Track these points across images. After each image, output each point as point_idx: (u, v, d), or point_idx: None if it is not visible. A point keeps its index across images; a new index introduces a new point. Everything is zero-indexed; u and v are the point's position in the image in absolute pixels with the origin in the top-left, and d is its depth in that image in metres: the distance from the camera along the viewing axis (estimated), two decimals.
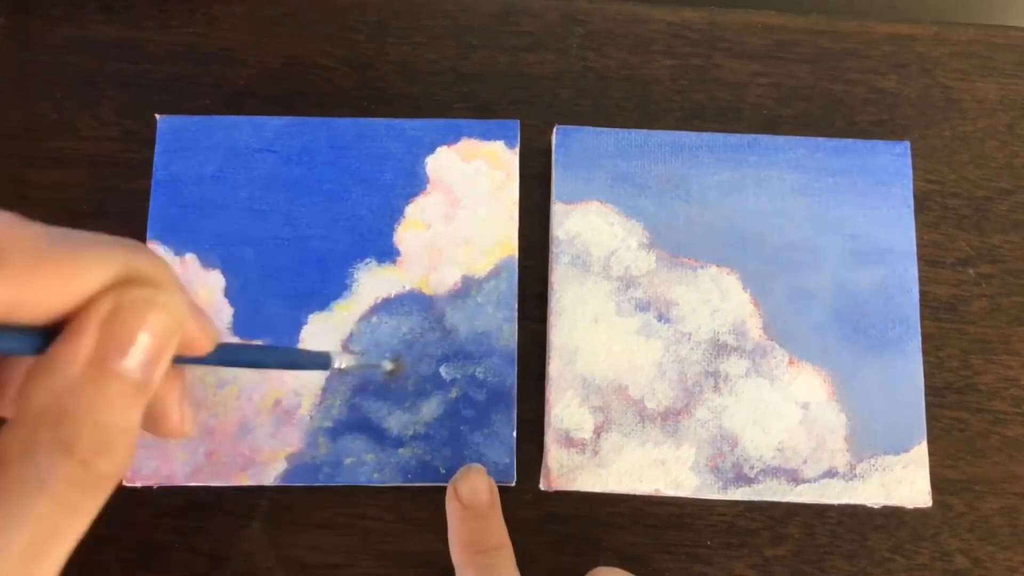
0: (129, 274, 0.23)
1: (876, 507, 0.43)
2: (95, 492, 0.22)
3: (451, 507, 0.40)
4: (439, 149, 0.47)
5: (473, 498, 0.39)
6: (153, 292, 0.23)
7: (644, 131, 0.47)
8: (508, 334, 0.44)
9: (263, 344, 0.44)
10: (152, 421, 0.27)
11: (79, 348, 0.22)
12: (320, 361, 0.39)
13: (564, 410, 0.43)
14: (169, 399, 0.27)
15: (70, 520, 0.22)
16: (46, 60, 0.49)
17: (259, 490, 0.44)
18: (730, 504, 0.44)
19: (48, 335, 0.22)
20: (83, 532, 0.22)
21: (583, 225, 0.46)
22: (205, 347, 0.27)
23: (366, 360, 0.43)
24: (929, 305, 0.46)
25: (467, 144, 0.47)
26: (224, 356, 0.29)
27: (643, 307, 0.45)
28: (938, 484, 0.42)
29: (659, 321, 0.45)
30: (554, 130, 0.47)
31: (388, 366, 0.44)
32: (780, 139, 0.47)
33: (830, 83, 0.50)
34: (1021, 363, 0.46)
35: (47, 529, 0.21)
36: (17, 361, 0.26)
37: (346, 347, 0.44)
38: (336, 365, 0.40)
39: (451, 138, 0.47)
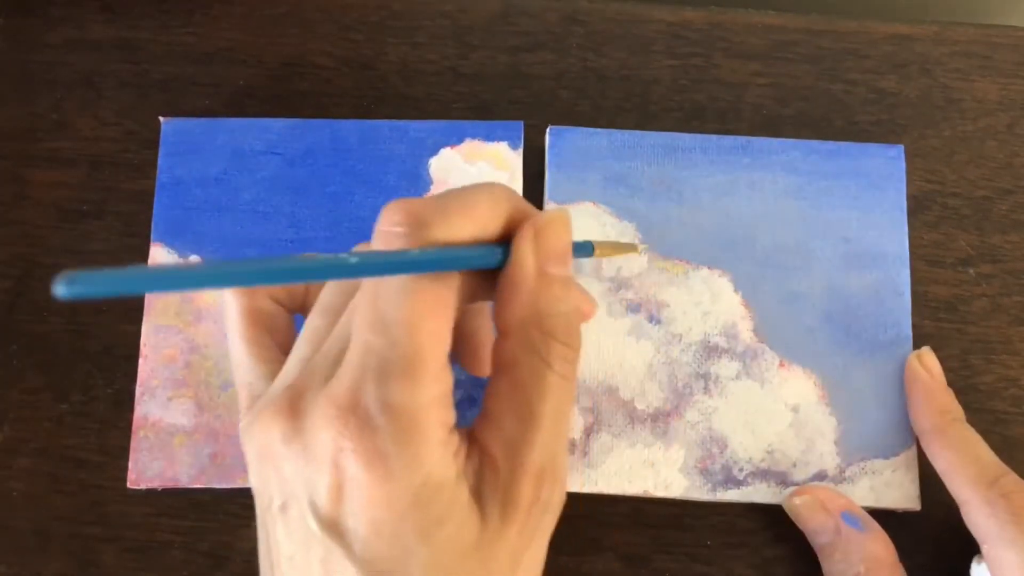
0: (514, 208, 0.30)
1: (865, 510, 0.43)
2: (575, 362, 0.30)
3: (920, 377, 0.43)
4: (442, 151, 0.46)
5: (936, 369, 0.44)
6: (546, 215, 0.30)
7: (637, 132, 0.47)
8: None
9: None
10: (469, 358, 0.35)
11: (527, 267, 0.29)
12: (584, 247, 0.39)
13: None
14: (481, 333, 0.34)
15: (570, 387, 0.30)
16: (46, 60, 0.49)
17: None
18: (730, 504, 0.44)
19: (495, 249, 0.30)
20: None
21: (576, 226, 0.45)
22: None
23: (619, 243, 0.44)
24: (929, 305, 0.46)
25: (470, 145, 0.46)
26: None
27: (634, 308, 0.45)
28: (938, 484, 0.42)
29: (650, 322, 0.45)
30: (547, 131, 0.47)
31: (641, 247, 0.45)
32: (774, 141, 0.47)
33: (830, 83, 0.50)
34: (1021, 363, 0.46)
35: (560, 398, 0.29)
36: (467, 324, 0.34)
37: None
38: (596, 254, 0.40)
39: (454, 139, 0.47)
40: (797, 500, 0.42)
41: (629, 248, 0.44)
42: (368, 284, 0.27)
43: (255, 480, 0.30)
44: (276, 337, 0.34)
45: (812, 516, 0.42)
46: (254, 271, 0.24)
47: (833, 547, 0.41)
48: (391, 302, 0.27)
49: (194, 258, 0.45)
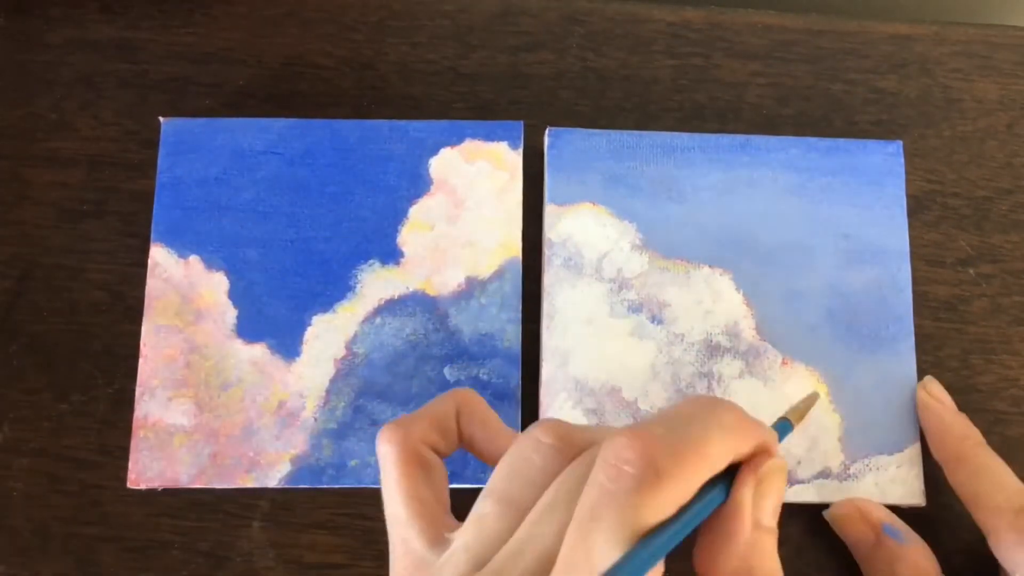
0: (740, 441, 0.28)
1: None
2: None
3: (932, 408, 0.43)
4: (442, 150, 0.46)
5: (945, 397, 0.44)
6: (771, 461, 0.29)
7: (636, 132, 0.47)
8: (512, 335, 0.44)
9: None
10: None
11: (746, 518, 0.27)
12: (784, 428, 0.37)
13: (558, 412, 0.43)
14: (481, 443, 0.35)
15: None
16: (46, 60, 0.49)
17: (259, 490, 0.44)
18: None
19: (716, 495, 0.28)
20: None
21: (576, 227, 0.46)
22: None
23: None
24: (929, 305, 0.46)
25: (470, 145, 0.46)
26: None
27: (636, 309, 0.45)
28: (939, 484, 0.42)
29: (652, 323, 0.45)
30: (546, 132, 0.47)
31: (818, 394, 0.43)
32: (772, 139, 0.47)
33: (829, 83, 0.50)
34: (1021, 363, 0.46)
35: None
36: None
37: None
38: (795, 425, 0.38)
39: (454, 139, 0.47)
40: (838, 511, 0.43)
41: (813, 399, 0.40)
42: (580, 523, 0.26)
43: None
44: (432, 487, 0.33)
45: (852, 527, 0.42)
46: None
47: (875, 558, 0.41)
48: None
49: (194, 258, 0.45)
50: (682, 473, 0.26)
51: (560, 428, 0.29)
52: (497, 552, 0.28)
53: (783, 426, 0.35)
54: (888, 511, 0.42)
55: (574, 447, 0.29)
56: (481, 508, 0.29)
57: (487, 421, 0.35)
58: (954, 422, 0.43)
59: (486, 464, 0.35)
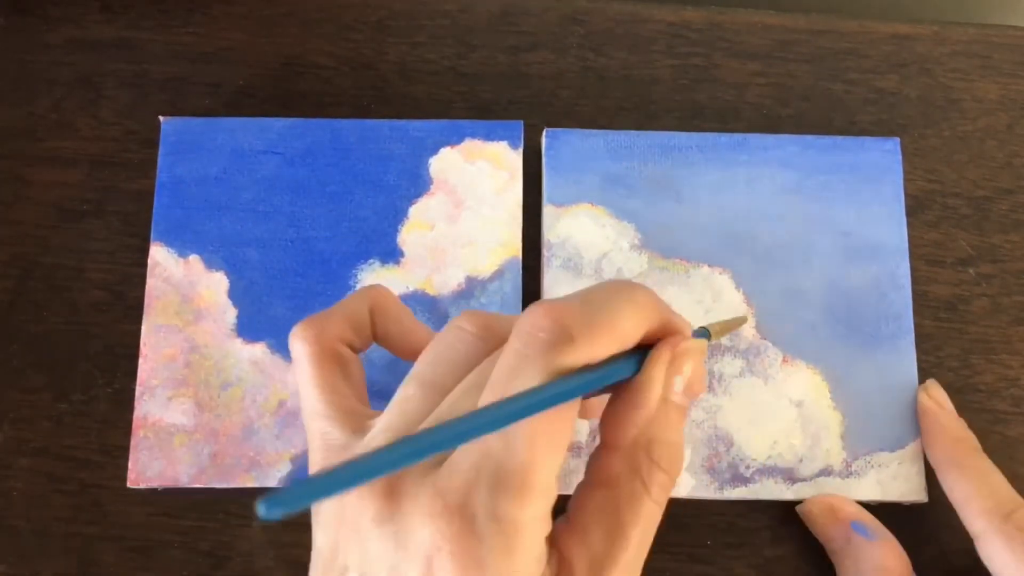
0: (655, 320, 0.29)
1: (872, 504, 0.43)
2: (669, 493, 0.29)
3: (930, 410, 0.43)
4: (442, 150, 0.46)
5: (945, 401, 0.44)
6: (688, 342, 0.30)
7: (634, 132, 0.47)
8: None
9: None
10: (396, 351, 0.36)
11: (654, 392, 0.29)
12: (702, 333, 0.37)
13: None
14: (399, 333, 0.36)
15: (658, 515, 0.29)
16: (46, 60, 0.49)
17: (259, 490, 0.44)
18: (730, 504, 0.44)
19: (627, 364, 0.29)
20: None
21: (574, 227, 0.45)
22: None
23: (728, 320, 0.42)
24: (929, 305, 0.46)
25: (470, 145, 0.46)
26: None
27: None
28: (939, 485, 0.42)
29: None
30: (543, 133, 0.47)
31: (746, 317, 0.44)
32: (770, 138, 0.47)
33: (830, 83, 0.50)
34: (1021, 363, 0.46)
35: (650, 524, 0.29)
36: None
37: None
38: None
39: (454, 139, 0.47)
40: (809, 507, 0.43)
41: (739, 322, 0.43)
42: (496, 385, 0.27)
43: (324, 536, 0.29)
44: (349, 382, 0.33)
45: (824, 524, 0.42)
46: (431, 442, 0.24)
47: (844, 555, 0.41)
48: None
49: (194, 258, 0.45)
50: (594, 339, 0.27)
51: (483, 318, 0.31)
52: (419, 428, 0.29)
53: (700, 333, 0.36)
54: (859, 507, 0.42)
55: (496, 336, 0.30)
56: (404, 392, 0.30)
57: (401, 317, 0.35)
58: (950, 425, 0.43)
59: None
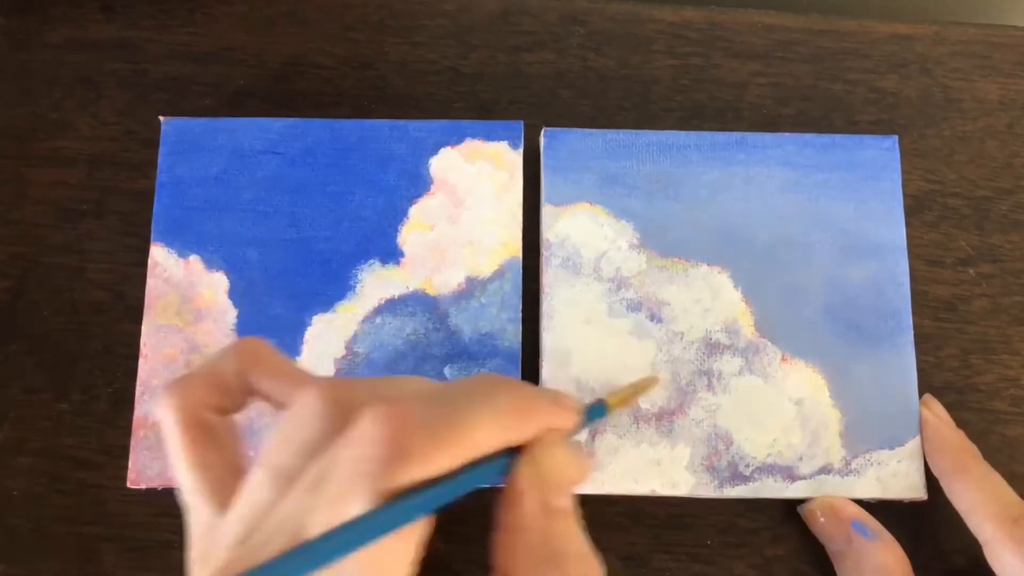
0: (528, 425, 0.28)
1: (872, 502, 0.43)
2: None
3: (931, 422, 0.44)
4: (442, 150, 0.46)
5: (944, 414, 0.44)
6: (541, 444, 0.28)
7: (632, 131, 0.47)
8: (512, 335, 0.44)
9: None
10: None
11: (531, 508, 0.27)
12: (596, 411, 0.36)
13: None
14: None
15: None
16: (46, 60, 0.49)
17: None
18: (730, 503, 0.44)
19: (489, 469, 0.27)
20: None
21: (573, 227, 0.46)
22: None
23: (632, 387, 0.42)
24: (929, 305, 0.46)
25: (471, 145, 0.46)
26: None
27: (635, 308, 0.45)
28: (939, 485, 0.42)
29: (651, 321, 0.45)
30: (541, 132, 0.47)
31: (657, 378, 0.44)
32: (768, 136, 0.47)
33: (830, 83, 0.50)
34: (1021, 363, 0.46)
35: None
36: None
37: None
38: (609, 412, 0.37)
39: (455, 139, 0.47)
40: (810, 507, 0.43)
41: (648, 384, 0.43)
42: (327, 506, 0.25)
43: None
44: (219, 451, 0.31)
45: (825, 524, 0.42)
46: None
47: (844, 555, 0.42)
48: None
49: (194, 258, 0.45)
50: (434, 455, 0.25)
51: (334, 390, 0.28)
52: (266, 522, 0.26)
53: (597, 409, 0.35)
54: (859, 508, 0.42)
55: (348, 409, 0.27)
56: (254, 478, 0.28)
57: (277, 371, 0.31)
58: (953, 435, 0.43)
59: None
